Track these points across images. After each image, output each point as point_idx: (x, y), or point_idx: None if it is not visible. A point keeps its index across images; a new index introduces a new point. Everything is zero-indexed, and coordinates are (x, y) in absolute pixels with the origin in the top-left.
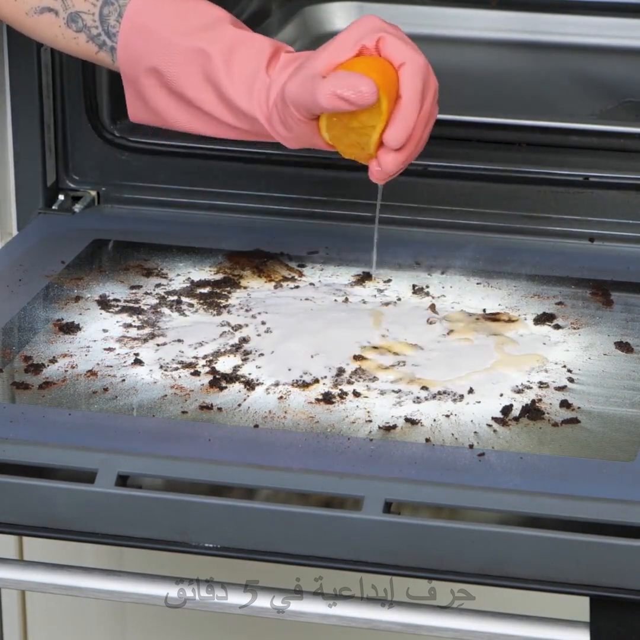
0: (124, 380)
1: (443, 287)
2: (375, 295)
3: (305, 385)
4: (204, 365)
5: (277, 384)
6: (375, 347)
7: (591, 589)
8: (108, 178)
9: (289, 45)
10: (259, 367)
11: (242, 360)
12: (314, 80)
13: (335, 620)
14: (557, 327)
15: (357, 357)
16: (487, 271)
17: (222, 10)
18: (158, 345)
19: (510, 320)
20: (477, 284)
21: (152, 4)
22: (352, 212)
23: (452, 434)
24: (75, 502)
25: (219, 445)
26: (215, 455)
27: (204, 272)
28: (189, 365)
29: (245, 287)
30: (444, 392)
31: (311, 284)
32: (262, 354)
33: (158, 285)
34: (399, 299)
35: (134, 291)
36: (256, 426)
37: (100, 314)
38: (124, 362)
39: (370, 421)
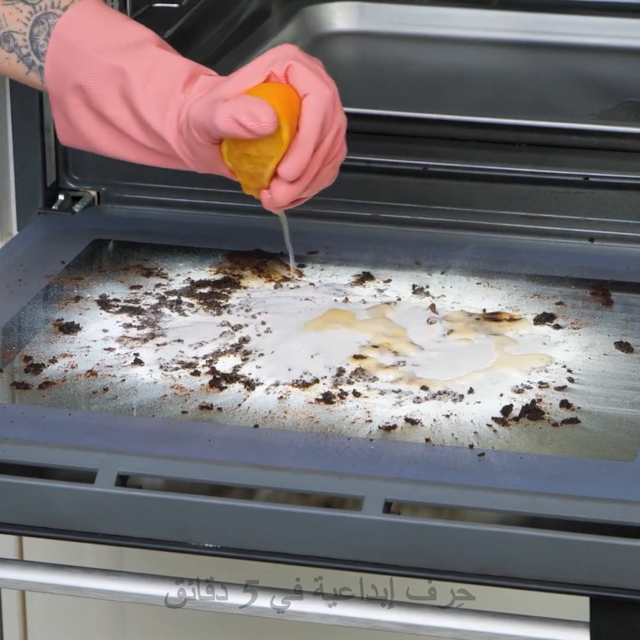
0: (124, 380)
1: (443, 287)
2: (375, 295)
3: (305, 385)
4: (204, 365)
5: (277, 384)
6: (375, 346)
7: (591, 589)
8: (108, 178)
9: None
10: (259, 367)
11: (242, 360)
12: (216, 103)
13: (335, 620)
14: (557, 327)
15: (357, 357)
16: (487, 271)
17: (150, 32)
18: (158, 345)
19: (511, 320)
20: (477, 284)
21: (78, 21)
22: (352, 212)
23: (452, 434)
24: (75, 502)
25: (219, 445)
26: (215, 455)
27: (204, 272)
28: (189, 365)
29: (245, 287)
30: (444, 392)
31: (311, 284)
32: (262, 354)
33: (158, 285)
34: (399, 299)
35: (134, 291)
36: (256, 426)
37: (100, 314)
38: (124, 362)
39: (370, 421)
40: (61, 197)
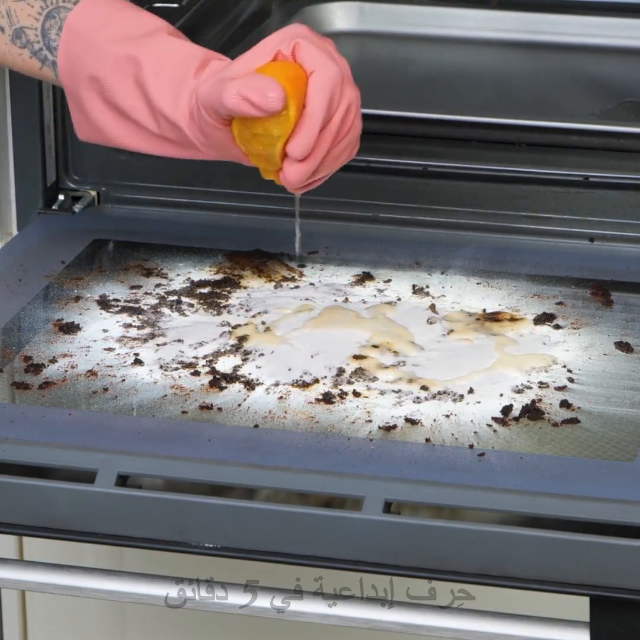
0: (124, 380)
1: (443, 287)
2: (375, 295)
3: (305, 385)
4: (204, 365)
5: (277, 384)
6: (375, 346)
7: (591, 589)
8: (108, 178)
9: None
10: (259, 367)
11: (242, 360)
12: (224, 82)
13: (335, 620)
14: (557, 327)
15: (357, 357)
16: (487, 271)
17: (162, 21)
18: (158, 345)
19: (511, 320)
20: (477, 284)
21: (90, 13)
22: (352, 212)
23: (452, 434)
24: (75, 502)
25: (219, 445)
26: (215, 455)
27: (204, 272)
28: (189, 365)
29: (245, 287)
30: (444, 392)
31: (311, 284)
32: (262, 354)
33: (158, 285)
34: (399, 299)
35: (134, 291)
36: (256, 426)
37: (100, 314)
38: (124, 362)
39: (370, 421)
40: (61, 197)
